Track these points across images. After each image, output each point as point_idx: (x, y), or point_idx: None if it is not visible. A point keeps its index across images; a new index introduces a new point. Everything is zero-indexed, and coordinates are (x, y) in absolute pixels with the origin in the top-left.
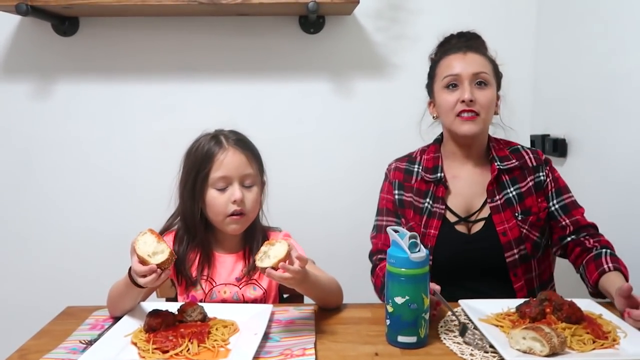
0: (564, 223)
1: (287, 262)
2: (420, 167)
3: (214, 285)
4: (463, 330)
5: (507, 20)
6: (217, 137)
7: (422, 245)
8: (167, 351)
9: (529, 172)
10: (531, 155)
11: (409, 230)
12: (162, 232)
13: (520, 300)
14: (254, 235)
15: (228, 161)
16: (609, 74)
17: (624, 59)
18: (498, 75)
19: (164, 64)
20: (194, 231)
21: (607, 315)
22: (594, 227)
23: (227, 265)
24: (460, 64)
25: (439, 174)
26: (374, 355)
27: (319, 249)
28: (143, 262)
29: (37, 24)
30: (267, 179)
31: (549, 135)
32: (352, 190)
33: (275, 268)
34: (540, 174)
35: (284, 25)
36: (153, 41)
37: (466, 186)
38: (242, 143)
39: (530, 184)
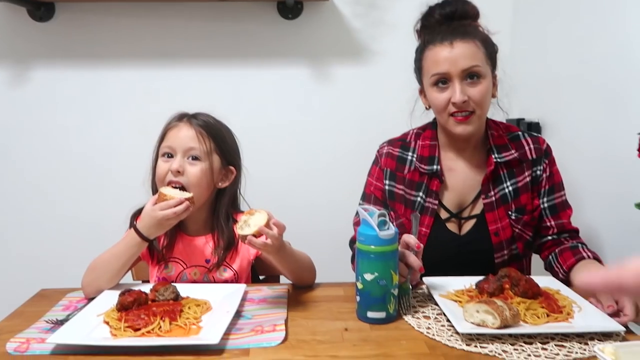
0: (548, 224)
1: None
2: (415, 156)
3: (184, 267)
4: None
5: (482, 5)
6: (183, 114)
7: (391, 224)
8: (139, 329)
9: (527, 165)
10: (532, 146)
11: (400, 226)
12: (140, 211)
13: (481, 277)
14: (219, 219)
15: (175, 133)
16: (582, 59)
17: (596, 43)
18: (492, 55)
19: (141, 50)
20: None
21: (565, 291)
22: (576, 231)
23: (196, 248)
24: (448, 60)
25: (435, 166)
26: (344, 331)
27: (298, 233)
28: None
29: (12, 10)
30: (245, 171)
31: (524, 119)
32: (331, 175)
33: (255, 236)
34: (538, 167)
35: (262, 11)
36: (130, 27)
37: (461, 180)
38: (202, 122)
39: (528, 179)
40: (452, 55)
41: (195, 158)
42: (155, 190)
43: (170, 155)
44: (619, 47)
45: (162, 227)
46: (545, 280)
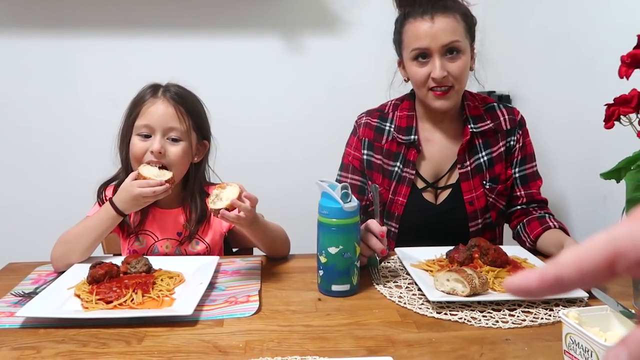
0: (518, 194)
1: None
2: (393, 126)
3: (156, 239)
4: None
5: None
6: (155, 87)
7: (352, 195)
8: (111, 301)
9: (502, 135)
10: (506, 117)
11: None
12: (107, 184)
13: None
14: (192, 192)
15: (154, 110)
16: (551, 31)
17: (565, 16)
18: (471, 28)
19: (108, 18)
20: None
21: (532, 259)
22: (545, 202)
23: (168, 220)
24: (429, 35)
25: (412, 136)
26: (317, 301)
27: (271, 205)
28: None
29: None
30: (214, 142)
31: (494, 91)
32: (304, 147)
33: (228, 209)
34: (512, 138)
35: None
36: None
37: (437, 150)
38: (179, 97)
39: (502, 149)
40: (433, 30)
41: (176, 138)
42: (126, 166)
43: (147, 135)
44: (587, 20)
45: (138, 204)
46: (513, 250)
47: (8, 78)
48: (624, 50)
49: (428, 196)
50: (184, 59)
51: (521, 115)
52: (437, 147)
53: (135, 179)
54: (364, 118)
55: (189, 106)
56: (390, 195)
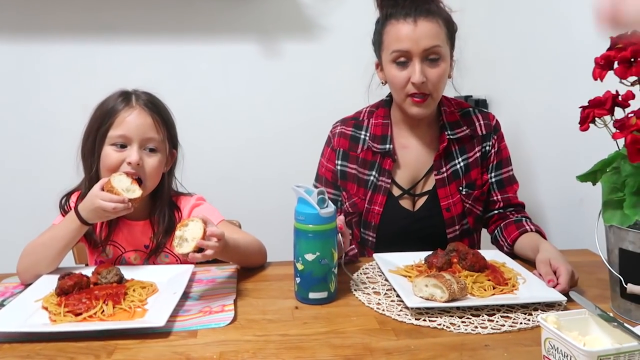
0: (495, 198)
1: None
2: (368, 134)
3: (123, 251)
4: None
5: None
6: (126, 95)
7: (329, 201)
8: (80, 313)
9: (477, 141)
10: (482, 122)
11: (352, 206)
12: (71, 193)
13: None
14: (161, 203)
15: (130, 120)
16: (527, 37)
17: (540, 21)
18: (452, 35)
19: (79, 23)
20: None
21: (510, 263)
22: (522, 205)
23: (135, 232)
24: (411, 38)
25: (387, 145)
26: (294, 309)
27: (248, 212)
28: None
29: None
30: (181, 152)
31: (471, 96)
32: (281, 153)
33: (196, 250)
34: (487, 143)
35: None
36: None
37: (414, 157)
38: (153, 105)
39: (477, 154)
40: (415, 34)
41: (153, 149)
42: (94, 177)
43: (123, 145)
44: (562, 24)
45: (98, 216)
46: (491, 254)
47: None
48: (598, 53)
49: (405, 203)
50: (157, 65)
51: (496, 120)
52: (414, 154)
53: (103, 188)
54: (339, 127)
55: (164, 116)
56: (366, 205)
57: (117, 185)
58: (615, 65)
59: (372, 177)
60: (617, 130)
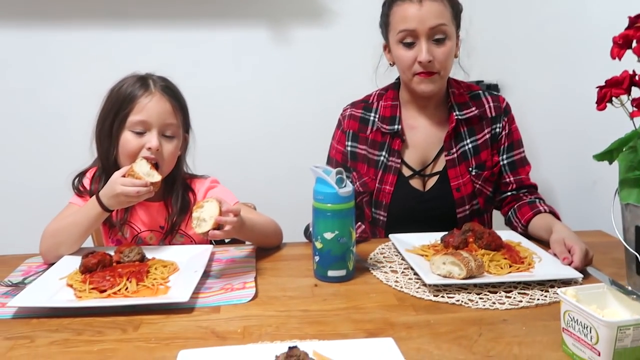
0: (507, 180)
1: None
2: (377, 116)
3: (139, 231)
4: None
5: None
6: (144, 80)
7: (347, 180)
8: (105, 290)
9: (487, 123)
10: (491, 104)
11: (363, 186)
12: (84, 172)
13: (446, 233)
14: (175, 186)
15: (151, 106)
16: (538, 19)
17: (550, 4)
18: (457, 15)
19: (93, 10)
20: (110, 172)
21: (526, 243)
22: (535, 187)
23: (151, 213)
24: (416, 17)
25: (396, 126)
26: (314, 287)
27: (261, 195)
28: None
29: None
30: (193, 135)
31: (482, 81)
32: (292, 137)
33: (215, 228)
34: (498, 125)
35: None
36: None
37: (423, 137)
38: (170, 91)
39: (487, 136)
40: (421, 12)
41: (171, 135)
42: (111, 161)
43: (141, 131)
44: (574, 6)
45: (120, 202)
46: (507, 234)
47: None
48: (610, 35)
49: (415, 183)
50: (170, 50)
51: (506, 103)
52: (423, 134)
53: (124, 175)
54: (349, 110)
55: (180, 100)
56: (377, 185)
57: (138, 170)
58: (634, 44)
59: (382, 158)
60: (635, 109)
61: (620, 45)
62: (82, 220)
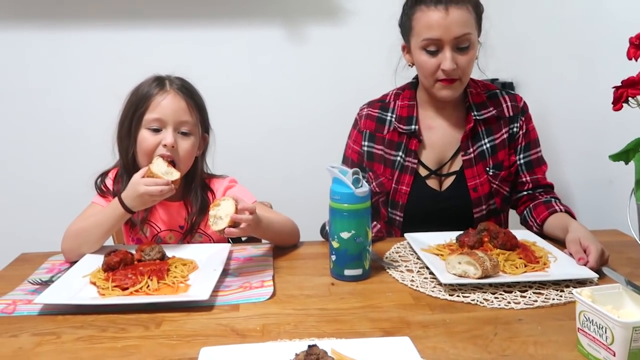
0: (524, 179)
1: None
2: (394, 116)
3: (158, 230)
4: None
5: None
6: (160, 79)
7: (364, 180)
8: (127, 288)
9: (504, 122)
10: (509, 103)
11: (379, 186)
12: (106, 173)
13: (461, 232)
14: (194, 185)
15: (165, 104)
16: (554, 17)
17: (567, 2)
18: (480, 19)
19: (109, 10)
20: (131, 172)
21: (541, 242)
22: (551, 186)
23: (170, 213)
24: (442, 26)
25: (413, 126)
26: (330, 285)
27: (277, 194)
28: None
29: None
30: (212, 134)
31: (497, 79)
32: (307, 136)
33: (231, 225)
34: (515, 125)
35: None
36: None
37: (440, 138)
38: (186, 90)
39: (505, 136)
40: (446, 21)
41: (186, 132)
42: (130, 160)
43: (157, 128)
44: (591, 4)
45: (144, 202)
46: (522, 233)
47: (9, 71)
48: (627, 34)
49: (432, 183)
50: (185, 50)
51: (524, 102)
52: (440, 134)
53: (144, 176)
54: (365, 110)
55: (196, 100)
56: (393, 185)
57: (156, 170)
58: None
59: (398, 158)
60: None
61: (637, 46)
62: (105, 222)
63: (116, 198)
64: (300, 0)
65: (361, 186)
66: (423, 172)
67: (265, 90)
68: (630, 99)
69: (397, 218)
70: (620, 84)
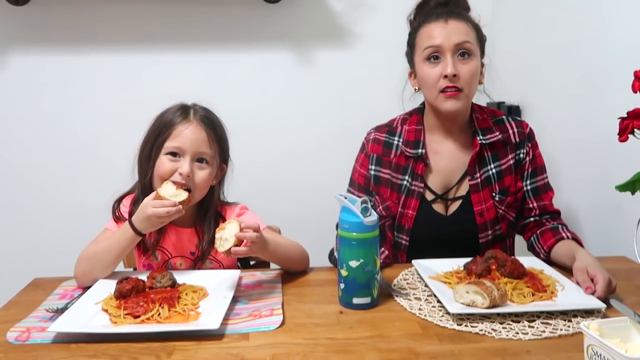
0: (531, 205)
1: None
2: (401, 140)
3: (169, 257)
4: None
5: None
6: (185, 108)
7: (372, 209)
8: (139, 316)
9: (511, 148)
10: (515, 130)
11: (386, 210)
12: (122, 197)
13: (469, 259)
14: (207, 213)
15: (186, 133)
16: (561, 43)
17: (574, 28)
18: (482, 41)
19: (122, 35)
20: (147, 196)
21: (548, 270)
22: (558, 213)
23: (182, 239)
24: (442, 34)
25: (420, 150)
26: (339, 314)
27: (285, 218)
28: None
29: None
30: (231, 166)
31: (504, 102)
32: (315, 159)
33: (237, 245)
34: (522, 151)
35: None
36: (110, 11)
37: (446, 162)
38: (208, 121)
39: (511, 161)
40: (446, 30)
41: (203, 163)
42: (147, 184)
43: (176, 155)
44: (595, 31)
45: (152, 224)
46: (529, 261)
47: (25, 94)
48: (632, 60)
49: (438, 208)
50: (196, 73)
51: (530, 128)
52: (446, 159)
53: (154, 199)
54: (373, 134)
55: (218, 132)
56: (399, 209)
57: (164, 193)
58: None
59: (405, 182)
60: None
61: None
62: (116, 245)
63: (127, 222)
64: (309, 24)
65: (370, 215)
66: (429, 196)
67: (273, 112)
68: (635, 130)
69: (403, 242)
70: (625, 115)
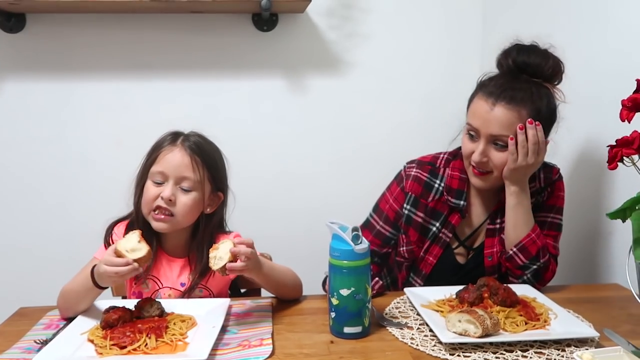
0: None
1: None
2: (442, 184)
3: (160, 286)
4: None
5: (455, 18)
6: (175, 135)
7: (363, 237)
8: (125, 347)
9: (532, 194)
10: (542, 175)
11: (409, 252)
12: (119, 221)
13: (461, 287)
14: (200, 242)
15: (170, 159)
16: None
17: (563, 58)
18: (545, 126)
19: (115, 62)
20: (140, 223)
21: (541, 298)
22: (554, 257)
23: (174, 269)
24: (483, 118)
25: (462, 202)
26: (330, 343)
27: (278, 245)
28: (120, 257)
29: None
30: (232, 196)
31: None
32: (307, 186)
33: (231, 260)
34: (542, 195)
35: (238, 23)
36: (103, 39)
37: (475, 213)
38: (196, 147)
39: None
40: (489, 116)
41: (187, 189)
42: (138, 209)
43: (160, 182)
44: (585, 59)
45: (106, 280)
46: (522, 289)
47: (15, 119)
48: (622, 88)
49: (459, 257)
50: (189, 100)
51: (559, 174)
52: (476, 210)
53: (113, 252)
54: (414, 170)
55: (205, 157)
56: (422, 253)
57: (122, 247)
58: None
59: (434, 228)
60: None
61: (629, 108)
62: (80, 290)
63: (87, 275)
64: (302, 52)
65: (360, 243)
66: (453, 242)
67: (266, 140)
68: (624, 158)
69: (417, 284)
70: (614, 143)
